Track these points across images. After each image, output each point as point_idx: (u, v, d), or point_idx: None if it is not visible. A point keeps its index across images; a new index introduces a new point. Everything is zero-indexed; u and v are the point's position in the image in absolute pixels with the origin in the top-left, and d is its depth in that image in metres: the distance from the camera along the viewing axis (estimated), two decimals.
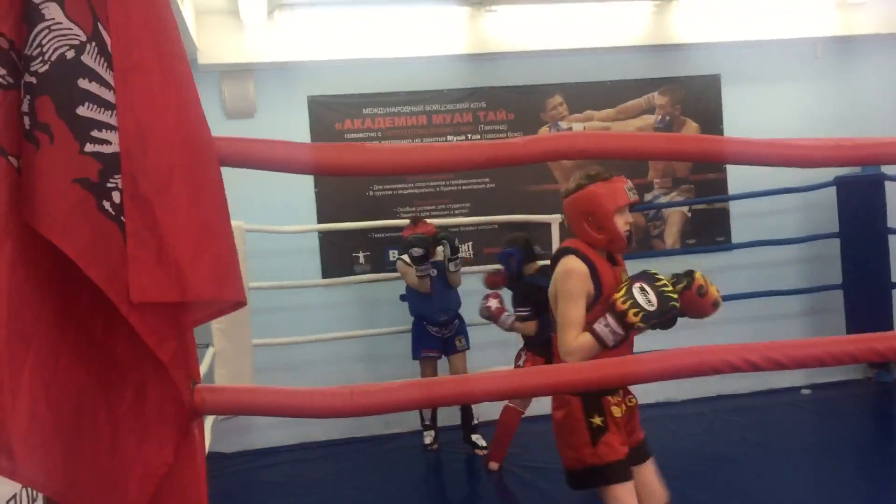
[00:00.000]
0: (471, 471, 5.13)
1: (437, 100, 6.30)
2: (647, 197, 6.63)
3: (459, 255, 5.37)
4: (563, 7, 6.14)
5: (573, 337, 2.56)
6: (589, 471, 2.64)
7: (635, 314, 2.45)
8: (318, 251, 6.16)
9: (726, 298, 6.16)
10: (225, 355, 4.94)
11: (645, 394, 6.27)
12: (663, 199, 6.67)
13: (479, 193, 6.37)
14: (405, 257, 5.38)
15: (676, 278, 2.67)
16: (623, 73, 6.54)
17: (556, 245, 6.18)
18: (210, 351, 4.97)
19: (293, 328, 5.89)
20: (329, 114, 6.14)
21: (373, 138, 6.17)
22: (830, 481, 4.36)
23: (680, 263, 6.45)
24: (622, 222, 2.71)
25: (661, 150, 1.71)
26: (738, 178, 6.64)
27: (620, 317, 2.47)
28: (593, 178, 2.75)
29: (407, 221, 5.70)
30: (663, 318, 2.49)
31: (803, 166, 1.87)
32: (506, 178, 6.39)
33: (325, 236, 6.14)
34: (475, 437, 5.46)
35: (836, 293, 6.43)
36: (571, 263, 2.67)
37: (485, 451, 5.26)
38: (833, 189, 6.33)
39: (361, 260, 6.23)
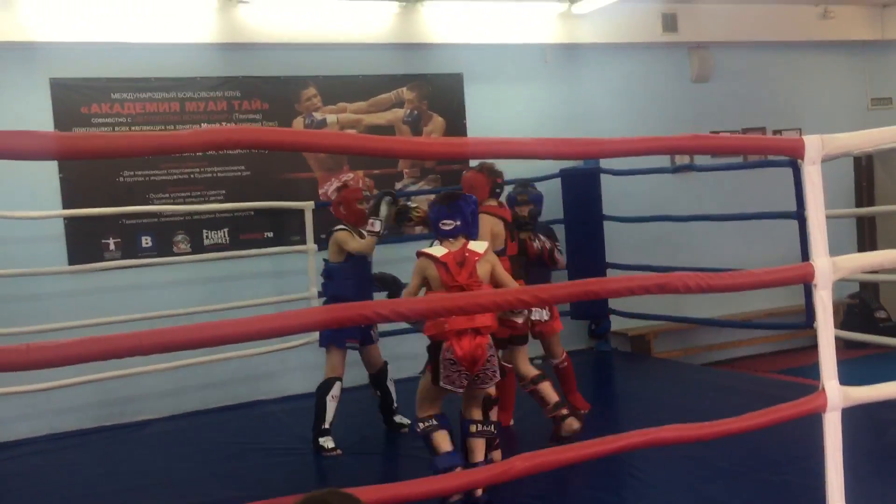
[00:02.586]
0: (220, 454, 5.24)
1: (190, 87, 6.35)
2: (398, 185, 7.06)
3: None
4: (315, 2, 6.41)
5: None
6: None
7: None
8: (64, 238, 6.03)
9: None
10: None
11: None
12: (412, 188, 7.14)
13: (234, 180, 6.51)
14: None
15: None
16: (374, 68, 6.92)
17: (310, 230, 6.43)
18: None
19: (38, 317, 5.73)
20: (74, 97, 6.01)
21: (122, 124, 6.13)
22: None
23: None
24: None
25: (303, 142, 2.02)
26: None
27: None
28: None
29: None
30: None
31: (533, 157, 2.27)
32: (261, 166, 6.57)
33: (70, 223, 6.02)
34: (398, 418, 5.27)
35: (562, 272, 7.20)
36: None
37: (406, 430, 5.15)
38: (559, 180, 7.09)
39: (112, 247, 6.17)
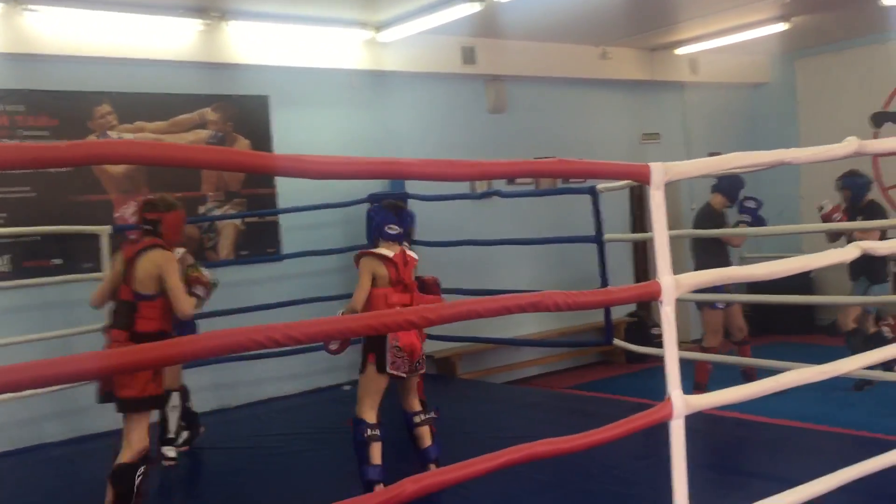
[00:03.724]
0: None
1: None
2: (201, 209, 6.76)
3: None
4: (111, 15, 6.01)
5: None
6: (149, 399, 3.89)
7: None
8: None
9: (277, 306, 6.56)
10: None
11: (203, 402, 6.41)
12: (217, 212, 6.86)
13: (18, 203, 5.92)
14: None
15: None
16: (175, 86, 6.60)
17: (106, 256, 5.97)
18: None
19: None
20: None
21: None
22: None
23: (233, 273, 6.73)
24: None
25: (204, 159, 1.91)
26: (288, 193, 7.11)
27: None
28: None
29: None
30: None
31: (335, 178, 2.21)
32: (48, 187, 6.03)
33: None
34: (168, 450, 5.07)
35: None
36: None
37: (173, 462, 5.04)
38: (367, 205, 7.11)
39: None
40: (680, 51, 9.26)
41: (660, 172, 2.54)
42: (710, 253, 6.10)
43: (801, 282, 9.09)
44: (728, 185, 6.36)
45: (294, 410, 6.50)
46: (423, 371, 4.33)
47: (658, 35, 8.66)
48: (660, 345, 6.79)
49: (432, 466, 4.26)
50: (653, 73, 9.42)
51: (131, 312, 3.96)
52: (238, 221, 6.97)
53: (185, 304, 3.97)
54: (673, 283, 2.53)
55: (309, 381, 7.11)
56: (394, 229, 4.27)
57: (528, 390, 7.26)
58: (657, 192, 2.53)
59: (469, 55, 7.98)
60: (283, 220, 7.19)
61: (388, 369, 4.10)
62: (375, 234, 4.33)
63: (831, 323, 9.62)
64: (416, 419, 4.35)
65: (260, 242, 7.09)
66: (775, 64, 10.44)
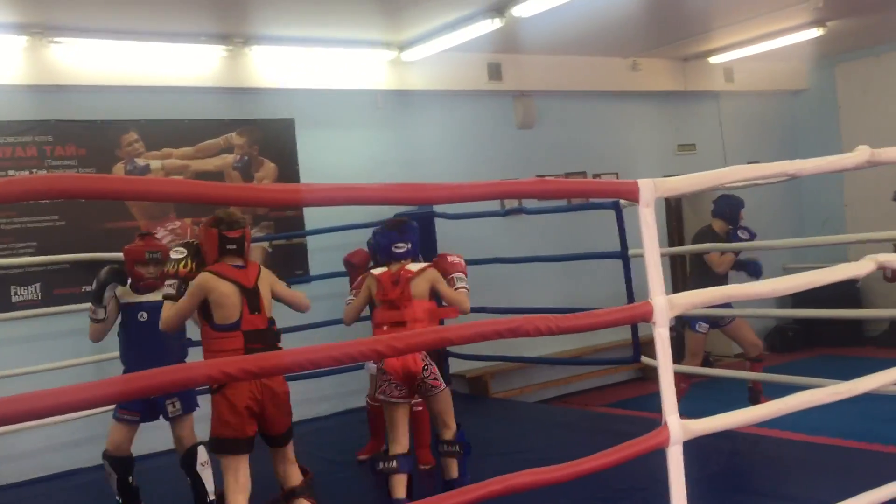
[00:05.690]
0: None
1: None
2: None
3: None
4: (135, 45, 6.11)
5: None
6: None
7: None
8: None
9: (309, 327, 6.51)
10: None
11: None
12: None
13: (46, 231, 6.03)
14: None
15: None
16: (201, 112, 6.68)
17: None
18: None
19: None
20: None
21: None
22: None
23: None
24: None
25: (136, 191, 1.87)
26: (315, 214, 7.11)
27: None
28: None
29: None
30: None
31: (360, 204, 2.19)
32: (77, 215, 6.14)
33: None
34: None
35: None
36: None
37: None
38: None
39: None
40: (714, 59, 9.08)
41: (649, 189, 2.45)
42: (708, 275, 5.88)
43: (847, 292, 8.79)
44: (727, 208, 6.06)
45: (323, 432, 6.47)
46: (435, 391, 4.01)
47: (690, 44, 8.50)
48: (708, 363, 6.39)
49: None
50: (686, 83, 9.25)
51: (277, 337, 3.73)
52: (266, 244, 7.00)
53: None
54: (666, 304, 2.43)
55: (339, 403, 7.09)
56: (400, 248, 4.21)
57: (561, 409, 7.13)
58: (646, 209, 2.44)
59: (495, 71, 7.93)
60: (311, 241, 7.20)
61: (377, 394, 4.00)
62: (384, 257, 4.26)
63: (881, 334, 9.31)
64: (441, 447, 4.17)
65: (288, 264, 7.09)
66: (814, 70, 10.17)
